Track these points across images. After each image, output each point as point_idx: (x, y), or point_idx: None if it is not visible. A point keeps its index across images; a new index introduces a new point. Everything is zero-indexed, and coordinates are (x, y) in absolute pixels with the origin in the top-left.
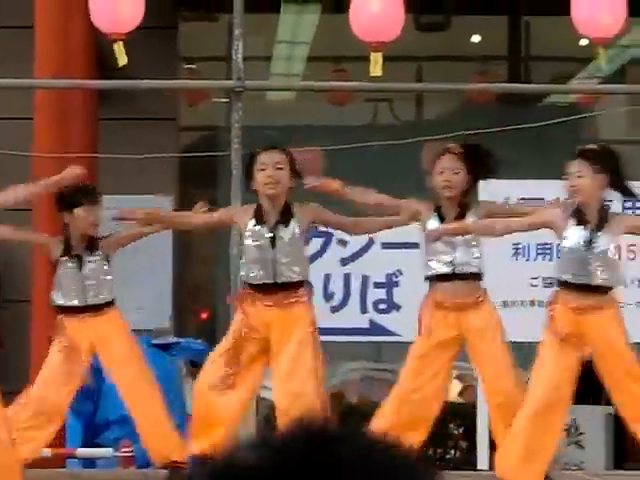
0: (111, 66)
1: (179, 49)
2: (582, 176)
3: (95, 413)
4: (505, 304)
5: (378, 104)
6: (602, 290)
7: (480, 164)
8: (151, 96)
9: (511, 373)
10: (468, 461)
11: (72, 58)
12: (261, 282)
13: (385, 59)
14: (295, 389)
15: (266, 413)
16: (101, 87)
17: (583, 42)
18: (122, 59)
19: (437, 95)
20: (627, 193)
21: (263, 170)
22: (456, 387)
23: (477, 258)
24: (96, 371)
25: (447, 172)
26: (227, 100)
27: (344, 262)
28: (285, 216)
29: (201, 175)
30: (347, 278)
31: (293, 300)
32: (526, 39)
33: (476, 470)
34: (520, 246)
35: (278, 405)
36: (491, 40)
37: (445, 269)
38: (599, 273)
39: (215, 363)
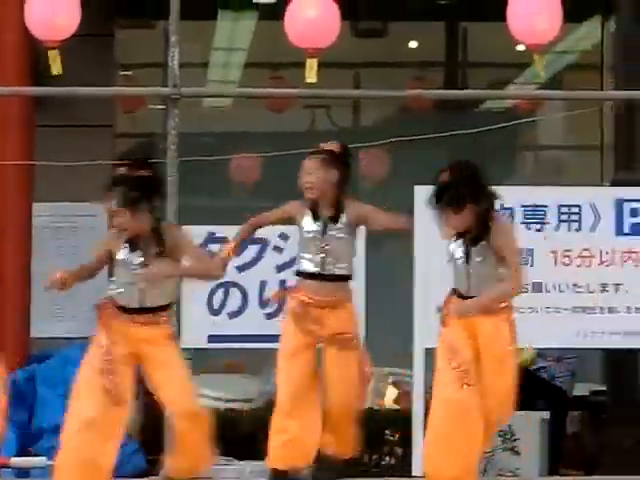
0: (47, 73)
1: (115, 56)
2: (452, 219)
3: (30, 421)
4: (440, 309)
5: (316, 110)
6: None
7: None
8: (87, 103)
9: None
10: (404, 468)
11: (8, 65)
12: (127, 305)
13: (322, 65)
14: (192, 407)
15: None
16: (38, 94)
17: (520, 48)
18: (56, 68)
19: (374, 101)
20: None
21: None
22: (391, 394)
23: (347, 261)
24: (30, 379)
25: (308, 174)
26: (163, 107)
27: (280, 269)
28: (154, 244)
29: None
30: (283, 285)
31: (158, 319)
32: (463, 45)
33: (412, 477)
34: None
35: (179, 425)
36: (428, 46)
37: (314, 268)
38: (476, 285)
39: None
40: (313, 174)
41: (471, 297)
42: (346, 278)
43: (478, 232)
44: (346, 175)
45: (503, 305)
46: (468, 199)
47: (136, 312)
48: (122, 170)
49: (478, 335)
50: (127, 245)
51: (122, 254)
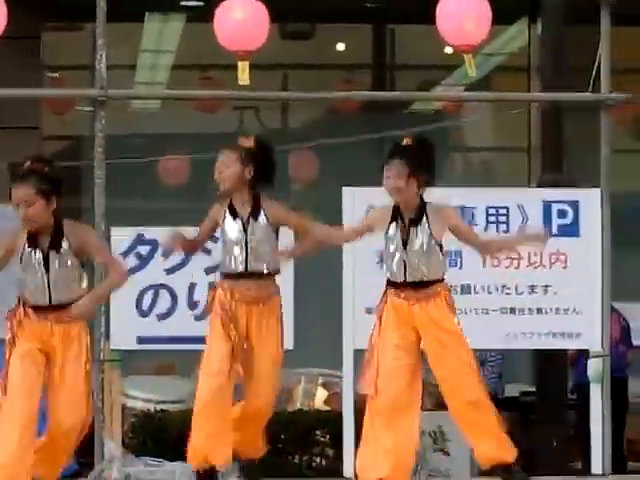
0: None
1: (42, 58)
2: (401, 177)
3: None
4: (369, 311)
5: (244, 112)
6: (426, 284)
7: (263, 165)
8: (14, 105)
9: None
10: (334, 468)
11: None
12: (36, 304)
13: (250, 67)
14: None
15: (131, 422)
16: None
17: (448, 50)
18: None
19: (302, 103)
20: None
21: (17, 206)
22: (322, 395)
23: (268, 259)
24: None
25: (221, 169)
26: (91, 109)
27: (208, 271)
28: (56, 239)
29: (65, 184)
30: (212, 286)
31: (68, 319)
32: (391, 47)
33: (342, 477)
34: None
35: (64, 425)
36: (356, 48)
37: (240, 268)
38: (417, 269)
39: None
40: (221, 172)
41: (410, 283)
42: (270, 275)
43: (418, 212)
44: (262, 172)
45: (436, 290)
46: (425, 164)
47: (46, 308)
48: (28, 164)
49: (419, 326)
50: (27, 244)
51: (23, 249)
